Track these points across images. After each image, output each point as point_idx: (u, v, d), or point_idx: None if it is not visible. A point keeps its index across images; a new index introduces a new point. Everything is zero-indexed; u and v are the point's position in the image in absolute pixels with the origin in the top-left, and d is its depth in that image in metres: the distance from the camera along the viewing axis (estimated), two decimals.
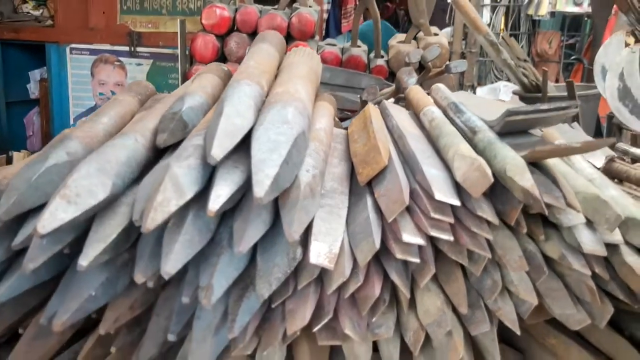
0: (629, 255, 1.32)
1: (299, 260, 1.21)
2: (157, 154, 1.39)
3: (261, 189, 1.06)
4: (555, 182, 1.24)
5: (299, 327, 1.15)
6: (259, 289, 1.12)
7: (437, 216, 1.19)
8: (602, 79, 3.58)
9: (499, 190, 1.28)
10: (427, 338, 1.28)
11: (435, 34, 4.10)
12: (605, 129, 4.39)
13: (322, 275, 1.22)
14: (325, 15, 7.39)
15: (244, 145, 1.24)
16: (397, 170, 1.31)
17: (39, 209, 1.25)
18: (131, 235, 1.19)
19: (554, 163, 1.40)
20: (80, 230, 1.17)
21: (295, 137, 1.20)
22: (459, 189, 1.27)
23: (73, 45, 6.12)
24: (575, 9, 6.86)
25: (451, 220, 1.20)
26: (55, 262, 1.29)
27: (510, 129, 1.35)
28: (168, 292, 1.38)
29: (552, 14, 7.10)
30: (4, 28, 6.22)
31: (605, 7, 4.84)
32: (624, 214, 1.38)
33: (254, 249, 1.22)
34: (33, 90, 6.85)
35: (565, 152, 1.19)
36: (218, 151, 1.12)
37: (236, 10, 3.96)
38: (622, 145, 2.42)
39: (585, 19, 7.14)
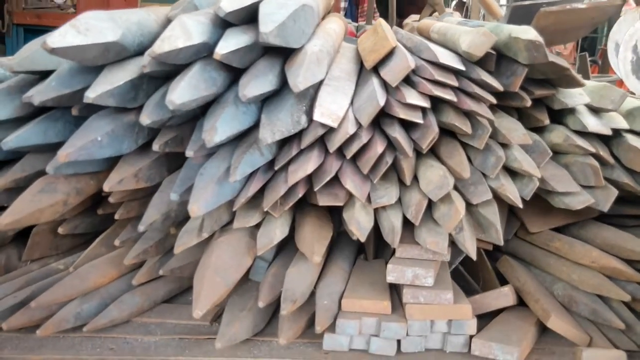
0: (634, 141, 1.32)
1: (303, 126, 1.22)
2: None
3: (267, 27, 1.08)
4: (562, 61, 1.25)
5: (300, 178, 1.16)
6: (261, 134, 1.13)
7: (440, 79, 1.20)
8: (617, 56, 3.57)
9: (503, 66, 1.29)
10: (427, 215, 1.28)
11: (450, 13, 4.13)
12: None
13: (326, 140, 1.22)
14: (342, 13, 7.47)
15: (253, 23, 1.27)
16: (403, 51, 1.32)
17: (49, 74, 1.28)
18: (138, 93, 1.21)
19: None
20: (86, 83, 1.19)
21: (303, 4, 1.22)
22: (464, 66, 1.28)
23: None
24: None
25: (455, 83, 1.21)
26: (65, 128, 1.32)
27: (519, 18, 1.36)
28: (172, 176, 1.39)
29: None
30: (27, 14, 6.35)
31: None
32: (630, 106, 1.39)
33: (259, 113, 1.24)
34: None
35: (572, 12, 1.20)
36: (227, 4, 1.15)
37: None
38: None
39: None
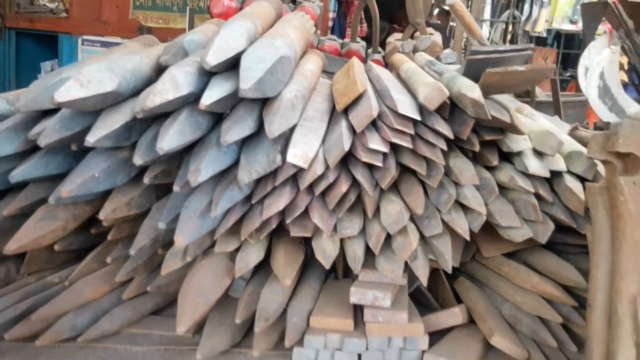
0: (570, 182, 1.50)
1: (278, 165, 1.38)
2: (158, 76, 1.56)
3: (246, 83, 1.24)
4: (506, 109, 1.42)
5: (274, 213, 1.32)
6: (239, 175, 1.29)
7: (399, 127, 1.36)
8: (585, 81, 3.77)
9: (457, 115, 1.46)
10: (387, 244, 1.44)
11: (431, 34, 4.30)
12: None
13: (298, 178, 1.38)
14: (330, 23, 7.62)
15: (235, 70, 1.42)
16: (369, 97, 1.48)
17: (51, 112, 1.43)
18: (132, 133, 1.37)
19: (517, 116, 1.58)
20: (86, 124, 1.34)
21: (280, 56, 1.38)
22: (421, 113, 1.45)
23: (85, 37, 6.33)
24: (571, 27, 7.12)
25: (411, 131, 1.38)
26: (64, 160, 1.47)
27: (474, 70, 1.52)
28: (160, 203, 1.55)
29: (549, 31, 7.37)
30: (20, 18, 6.44)
31: (594, 23, 5.05)
32: (570, 149, 1.56)
33: (239, 152, 1.40)
34: None
35: (513, 74, 1.37)
36: (212, 58, 1.31)
37: (243, 1, 4.16)
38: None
39: (581, 37, 7.38)
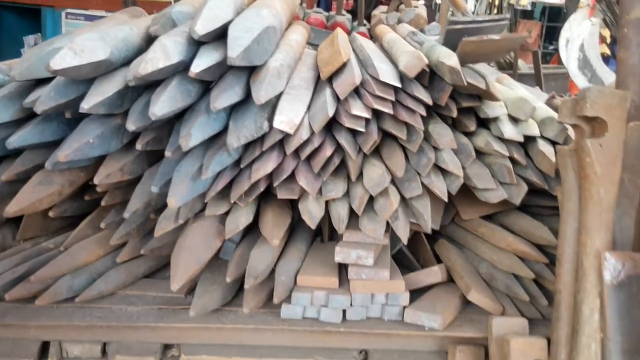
0: (543, 146, 1.58)
1: (265, 130, 1.44)
2: (148, 46, 1.61)
3: (234, 52, 1.30)
4: (482, 76, 1.49)
5: (261, 176, 1.39)
6: (228, 140, 1.35)
7: (380, 94, 1.43)
8: (566, 52, 3.85)
9: (436, 82, 1.53)
10: (370, 206, 1.52)
11: (416, 7, 4.33)
12: None
13: (284, 143, 1.45)
14: None
15: (223, 40, 1.47)
16: (353, 66, 1.54)
17: (45, 81, 1.48)
18: (124, 100, 1.42)
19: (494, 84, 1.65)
20: (80, 92, 1.39)
21: (266, 26, 1.43)
22: (402, 81, 1.51)
23: (69, 10, 6.28)
24: (555, 0, 7.18)
25: (392, 98, 1.44)
26: (58, 128, 1.52)
27: (453, 39, 1.58)
28: (152, 170, 1.61)
29: (533, 4, 7.44)
30: None
31: None
32: (544, 115, 1.64)
33: (228, 119, 1.46)
34: None
35: (489, 43, 1.43)
36: (200, 28, 1.36)
37: None
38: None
39: (564, 10, 7.45)
